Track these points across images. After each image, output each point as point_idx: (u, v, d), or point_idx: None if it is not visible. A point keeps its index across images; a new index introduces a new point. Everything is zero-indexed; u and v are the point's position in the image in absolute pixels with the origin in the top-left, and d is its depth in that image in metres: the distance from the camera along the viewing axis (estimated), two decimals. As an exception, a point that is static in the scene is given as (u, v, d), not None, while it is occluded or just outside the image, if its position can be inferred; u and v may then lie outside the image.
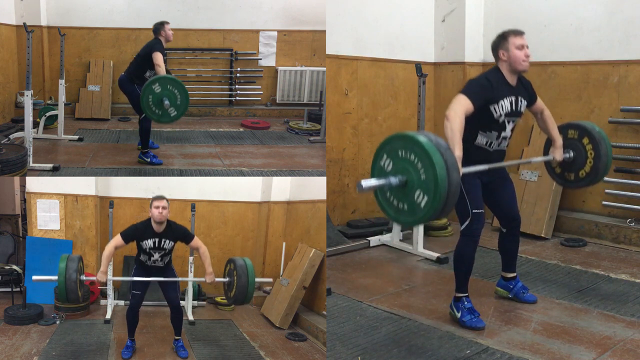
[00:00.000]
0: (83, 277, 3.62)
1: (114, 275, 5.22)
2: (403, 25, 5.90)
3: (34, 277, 3.63)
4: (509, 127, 3.36)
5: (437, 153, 2.46)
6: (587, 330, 3.27)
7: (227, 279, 3.97)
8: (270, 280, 4.78)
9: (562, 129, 3.70)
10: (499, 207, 3.61)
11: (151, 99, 4.62)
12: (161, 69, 4.85)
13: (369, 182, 2.62)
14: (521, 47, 3.30)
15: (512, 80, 3.35)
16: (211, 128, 6.88)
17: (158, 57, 4.91)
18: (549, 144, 3.69)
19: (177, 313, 4.02)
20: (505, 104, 3.30)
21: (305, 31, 7.58)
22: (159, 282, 3.95)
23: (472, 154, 3.29)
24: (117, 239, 3.82)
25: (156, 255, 3.87)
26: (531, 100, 3.52)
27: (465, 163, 3.33)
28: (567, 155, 3.65)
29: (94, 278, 3.75)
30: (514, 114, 3.36)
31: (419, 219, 2.59)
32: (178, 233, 3.93)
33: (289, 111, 7.62)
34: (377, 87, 5.66)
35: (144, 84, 5.17)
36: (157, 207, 3.80)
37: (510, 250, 3.71)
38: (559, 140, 3.60)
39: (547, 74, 5.56)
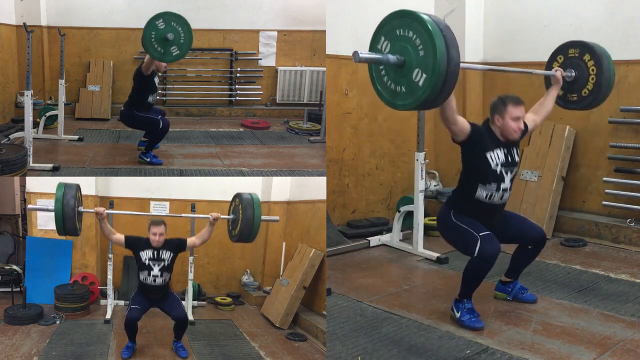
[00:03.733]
0: (81, 209, 3.57)
1: (113, 276, 5.22)
2: (403, 25, 5.89)
3: (29, 206, 3.56)
4: (507, 177, 3.35)
5: (436, 28, 2.42)
6: (587, 330, 3.27)
7: (231, 216, 3.90)
8: (277, 218, 4.51)
9: (563, 48, 3.67)
10: (521, 236, 3.55)
11: (154, 35, 4.52)
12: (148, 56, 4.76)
13: (366, 54, 2.61)
14: (517, 119, 3.30)
15: (502, 139, 3.36)
16: (211, 128, 6.88)
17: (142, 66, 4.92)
18: (548, 82, 3.72)
19: (182, 324, 3.99)
20: (499, 154, 3.31)
21: (305, 31, 7.58)
22: (162, 308, 3.96)
23: (473, 206, 3.34)
24: (120, 235, 3.88)
25: (156, 269, 3.85)
26: (525, 132, 3.46)
27: (466, 214, 3.36)
28: (569, 73, 3.59)
29: (92, 210, 3.69)
30: (510, 164, 3.36)
31: (417, 98, 2.53)
32: (174, 243, 3.95)
33: (289, 111, 7.62)
34: (377, 87, 5.66)
35: (145, 110, 5.07)
36: (155, 234, 3.84)
37: (525, 262, 3.68)
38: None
39: (547, 74, 5.55)
